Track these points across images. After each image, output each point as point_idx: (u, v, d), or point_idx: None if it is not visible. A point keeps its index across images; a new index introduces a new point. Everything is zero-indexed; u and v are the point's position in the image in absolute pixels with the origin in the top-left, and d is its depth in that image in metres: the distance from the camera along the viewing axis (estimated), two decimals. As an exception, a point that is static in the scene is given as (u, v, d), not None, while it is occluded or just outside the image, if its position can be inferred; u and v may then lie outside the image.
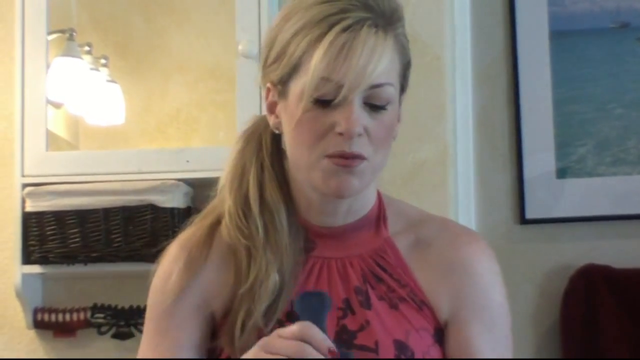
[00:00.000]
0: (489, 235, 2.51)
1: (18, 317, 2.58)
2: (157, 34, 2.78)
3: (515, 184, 2.63)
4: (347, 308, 1.46)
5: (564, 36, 2.68)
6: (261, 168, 1.50)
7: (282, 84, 1.42)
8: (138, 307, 2.54)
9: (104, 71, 2.68)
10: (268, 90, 1.46)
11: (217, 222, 1.50)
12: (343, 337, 1.44)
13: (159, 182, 2.50)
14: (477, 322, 1.47)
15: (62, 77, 2.62)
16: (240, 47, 2.49)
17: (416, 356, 1.43)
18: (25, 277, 2.51)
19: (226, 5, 2.57)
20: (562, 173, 2.62)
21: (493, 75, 2.67)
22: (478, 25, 2.66)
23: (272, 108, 1.46)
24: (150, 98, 2.75)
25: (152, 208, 2.48)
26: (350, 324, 1.44)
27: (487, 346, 1.46)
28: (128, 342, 2.57)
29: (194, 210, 2.51)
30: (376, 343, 1.42)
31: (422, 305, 1.47)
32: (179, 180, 2.50)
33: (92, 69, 2.66)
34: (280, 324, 1.43)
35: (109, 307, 2.57)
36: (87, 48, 2.67)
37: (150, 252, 2.43)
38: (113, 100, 2.71)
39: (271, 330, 1.39)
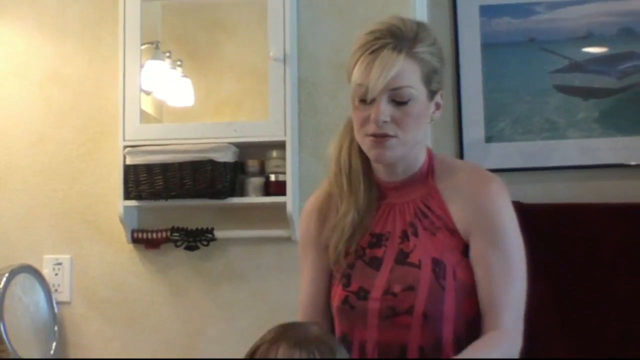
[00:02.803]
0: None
1: (121, 235, 2.84)
2: (215, 44, 2.96)
3: (457, 146, 2.97)
4: (404, 236, 1.73)
5: (491, 47, 3.00)
6: (350, 148, 1.78)
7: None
8: (202, 228, 2.79)
9: (179, 70, 2.92)
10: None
11: (328, 187, 1.84)
12: (400, 257, 1.70)
13: (216, 145, 2.72)
14: (484, 239, 1.68)
15: (151, 74, 2.85)
16: (271, 53, 2.70)
17: (447, 268, 1.67)
18: (126, 208, 2.78)
19: (262, 24, 2.75)
20: (489, 139, 2.94)
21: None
22: (433, 40, 2.83)
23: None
24: (210, 88, 2.93)
25: (212, 162, 2.70)
26: (405, 247, 1.72)
27: (493, 257, 1.68)
28: (194, 253, 2.82)
29: (239, 163, 2.76)
30: (419, 261, 1.69)
31: (453, 232, 1.71)
32: (230, 143, 2.73)
33: (171, 68, 2.90)
34: (358, 250, 1.74)
35: (182, 228, 2.81)
36: (168, 54, 2.91)
37: (209, 192, 2.71)
38: (185, 90, 2.92)
39: (353, 253, 1.73)
